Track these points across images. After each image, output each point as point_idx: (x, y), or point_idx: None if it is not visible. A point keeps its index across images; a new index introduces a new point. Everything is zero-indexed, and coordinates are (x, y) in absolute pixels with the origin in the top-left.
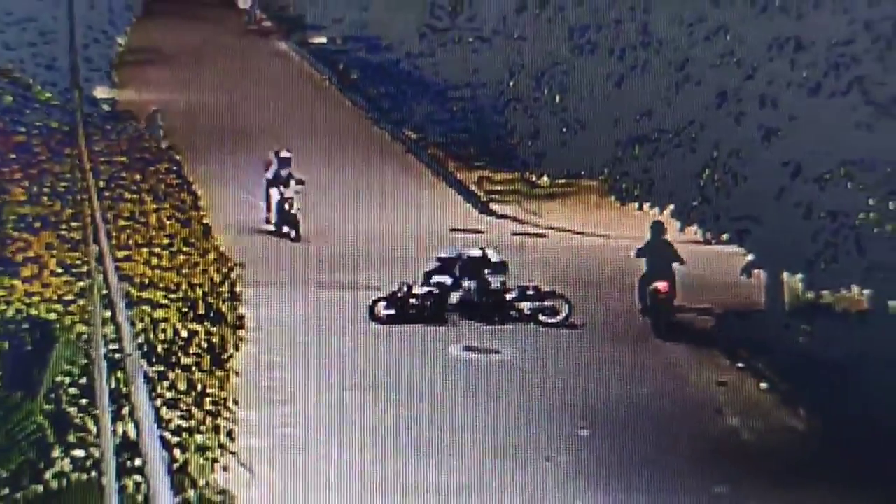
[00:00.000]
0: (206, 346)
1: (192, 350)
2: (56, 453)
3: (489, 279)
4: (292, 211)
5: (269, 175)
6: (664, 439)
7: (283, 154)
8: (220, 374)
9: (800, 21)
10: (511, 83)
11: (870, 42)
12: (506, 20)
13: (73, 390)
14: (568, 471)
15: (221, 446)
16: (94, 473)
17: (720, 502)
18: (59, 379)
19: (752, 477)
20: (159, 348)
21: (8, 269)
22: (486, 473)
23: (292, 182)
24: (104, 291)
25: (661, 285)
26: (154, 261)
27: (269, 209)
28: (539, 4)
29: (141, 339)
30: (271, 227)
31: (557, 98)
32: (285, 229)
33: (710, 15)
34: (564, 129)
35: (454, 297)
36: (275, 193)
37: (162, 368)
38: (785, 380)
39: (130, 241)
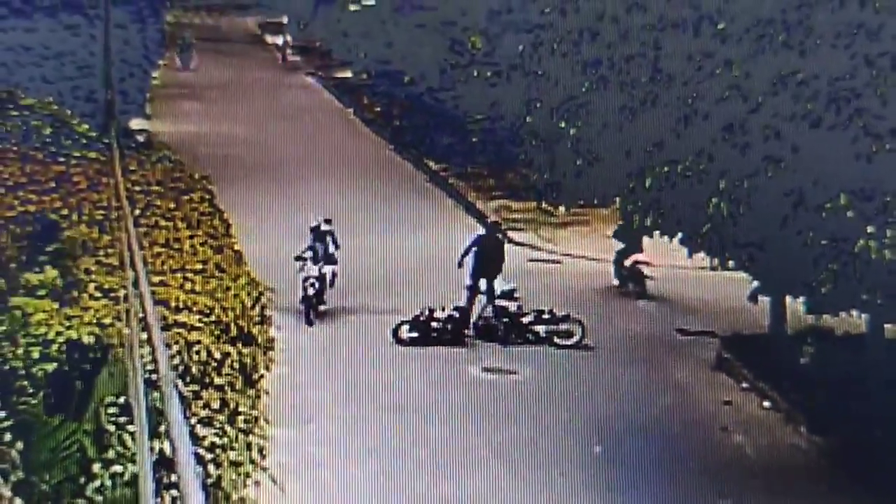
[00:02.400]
0: (238, 366)
1: (224, 371)
2: (96, 469)
3: (502, 303)
4: (308, 293)
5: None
6: (673, 455)
7: (324, 227)
8: (251, 393)
9: (802, 57)
10: (528, 117)
11: (869, 76)
12: (523, 56)
13: (112, 409)
14: (582, 486)
15: (253, 462)
16: (132, 488)
17: None
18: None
19: (755, 491)
20: (194, 369)
21: (51, 294)
22: (503, 489)
23: (322, 263)
24: (140, 315)
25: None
26: (188, 285)
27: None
28: (554, 41)
29: (176, 361)
30: (305, 300)
31: (572, 131)
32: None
33: (717, 51)
34: (578, 161)
35: (475, 318)
36: (309, 267)
37: (196, 388)
38: (787, 399)
39: (165, 267)
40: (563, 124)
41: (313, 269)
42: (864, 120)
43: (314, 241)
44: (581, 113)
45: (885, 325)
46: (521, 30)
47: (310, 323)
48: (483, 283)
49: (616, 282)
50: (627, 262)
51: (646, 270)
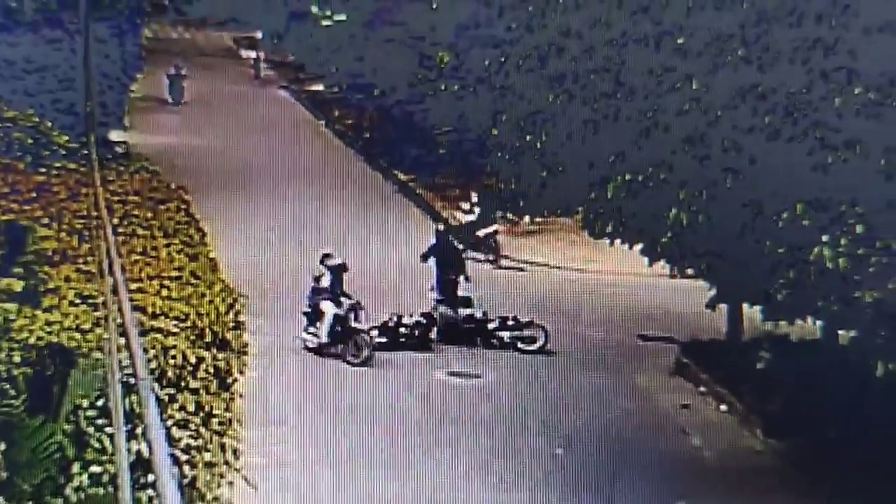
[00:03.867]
0: (212, 370)
1: (199, 374)
2: (75, 469)
3: (459, 311)
4: (352, 325)
5: (326, 285)
6: (632, 457)
7: (334, 261)
8: (225, 396)
9: (761, 71)
10: (494, 129)
11: (826, 90)
12: (489, 70)
13: (91, 412)
14: (544, 487)
15: (227, 463)
16: (110, 488)
17: None
18: (78, 401)
19: (712, 492)
20: (170, 373)
21: (30, 300)
22: (466, 490)
23: (344, 299)
24: (119, 320)
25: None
26: (164, 292)
27: (315, 322)
28: (521, 56)
29: (153, 365)
30: (314, 344)
31: (537, 143)
32: (337, 349)
33: (678, 66)
34: (543, 173)
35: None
36: (328, 307)
37: (172, 391)
38: (743, 403)
39: (143, 274)
40: (528, 137)
41: (340, 308)
42: (821, 132)
43: (333, 276)
44: (546, 126)
45: (839, 331)
46: (487, 45)
47: (365, 362)
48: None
49: (461, 246)
50: (481, 233)
51: (497, 239)
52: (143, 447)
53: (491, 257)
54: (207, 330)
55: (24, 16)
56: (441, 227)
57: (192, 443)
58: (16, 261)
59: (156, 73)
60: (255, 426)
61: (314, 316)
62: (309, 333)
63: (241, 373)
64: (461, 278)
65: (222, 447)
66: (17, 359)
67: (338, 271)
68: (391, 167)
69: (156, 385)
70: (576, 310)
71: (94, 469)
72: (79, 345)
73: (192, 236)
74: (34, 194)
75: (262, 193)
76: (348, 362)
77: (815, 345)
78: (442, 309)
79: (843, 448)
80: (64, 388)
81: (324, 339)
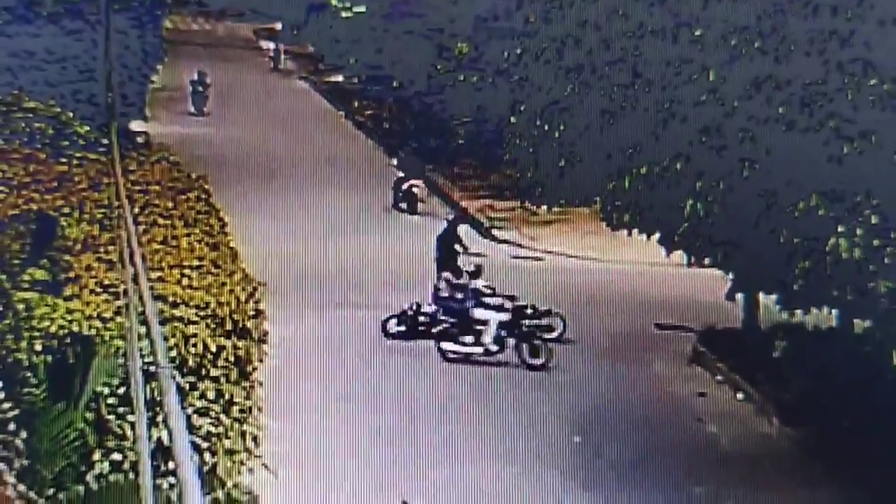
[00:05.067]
0: (233, 359)
1: (220, 363)
2: (96, 457)
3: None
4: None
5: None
6: (649, 445)
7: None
8: (245, 384)
9: (777, 62)
10: (512, 119)
11: (841, 81)
12: (508, 62)
13: (112, 400)
14: (562, 474)
15: (247, 451)
16: (131, 475)
17: (699, 502)
18: (99, 389)
19: (728, 479)
20: (190, 361)
21: (51, 289)
22: (485, 476)
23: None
24: (139, 309)
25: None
26: (185, 281)
27: (467, 331)
28: (539, 47)
29: (173, 353)
30: (468, 353)
31: (555, 134)
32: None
33: (695, 57)
34: (561, 163)
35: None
36: (490, 314)
37: (193, 379)
38: (760, 391)
39: (163, 263)
40: (546, 127)
41: (496, 315)
42: (836, 123)
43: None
44: (563, 116)
45: (854, 321)
46: (506, 36)
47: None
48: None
49: (396, 204)
50: (405, 186)
51: (417, 192)
52: (164, 435)
53: (407, 207)
54: (228, 318)
55: (44, 7)
56: (451, 217)
57: (213, 430)
58: (44, 252)
59: (176, 65)
60: (276, 414)
61: (462, 323)
62: (461, 344)
63: (261, 361)
64: (444, 275)
65: (242, 435)
66: (38, 347)
67: (478, 273)
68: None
69: (176, 373)
70: (593, 299)
71: (115, 456)
72: (100, 333)
73: (212, 226)
74: (56, 184)
75: (281, 183)
76: (528, 367)
77: (830, 334)
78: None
79: (858, 437)
80: (85, 376)
81: (492, 348)
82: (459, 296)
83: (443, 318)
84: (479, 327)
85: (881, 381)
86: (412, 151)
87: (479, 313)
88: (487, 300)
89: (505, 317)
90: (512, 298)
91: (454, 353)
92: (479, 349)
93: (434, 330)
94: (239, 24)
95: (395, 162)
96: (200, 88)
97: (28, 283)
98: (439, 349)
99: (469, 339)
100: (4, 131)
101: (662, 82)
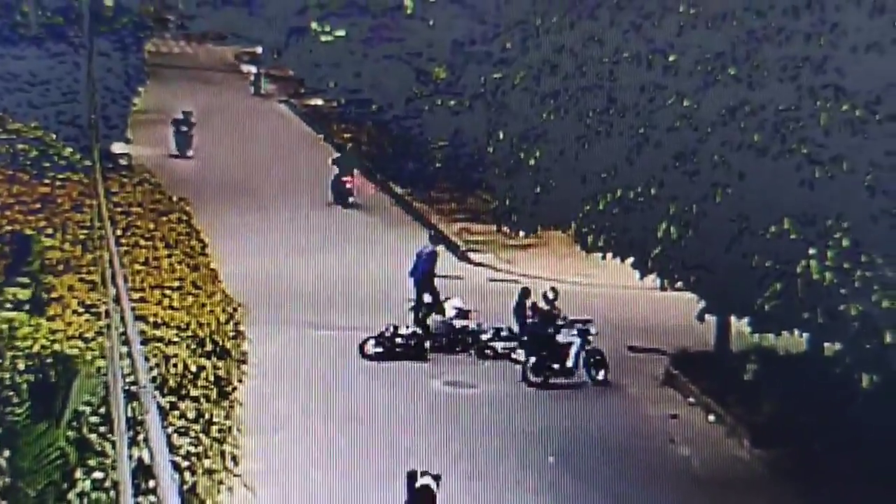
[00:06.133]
0: (213, 379)
1: (200, 383)
2: (78, 475)
3: (455, 322)
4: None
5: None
6: (622, 466)
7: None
8: (225, 404)
9: (750, 89)
10: (489, 144)
11: (813, 107)
12: (485, 87)
13: (93, 419)
14: (536, 494)
15: (226, 469)
16: (112, 493)
17: None
18: (81, 408)
19: (700, 501)
20: (171, 381)
21: (34, 309)
22: (461, 497)
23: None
24: (121, 329)
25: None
26: (166, 302)
27: (553, 357)
28: (515, 73)
29: (154, 373)
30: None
31: (531, 160)
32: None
33: (669, 83)
34: (537, 189)
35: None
36: (571, 337)
37: (173, 399)
38: (731, 414)
39: (144, 284)
40: (521, 154)
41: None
42: (808, 148)
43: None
44: (539, 142)
45: (825, 344)
46: (483, 62)
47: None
48: (426, 297)
49: (331, 198)
50: (343, 180)
51: (348, 187)
52: (145, 454)
53: (338, 200)
54: (208, 339)
55: (29, 30)
56: (429, 243)
57: (193, 449)
58: (21, 271)
59: (158, 89)
60: (255, 433)
61: (551, 349)
62: (551, 371)
63: (241, 381)
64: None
65: (222, 454)
66: (21, 366)
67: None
68: (388, 181)
69: (157, 393)
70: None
71: (97, 475)
72: (82, 353)
73: (192, 247)
74: (38, 205)
75: (261, 204)
76: (596, 383)
77: (801, 357)
78: (437, 319)
79: (829, 458)
80: (67, 395)
81: (579, 371)
82: (534, 320)
83: (437, 334)
84: (564, 350)
85: (852, 404)
86: (350, 151)
87: (562, 338)
88: (563, 325)
89: (580, 340)
90: (585, 322)
91: (535, 380)
92: (571, 376)
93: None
94: (221, 48)
95: (331, 159)
96: (184, 128)
97: (10, 303)
98: (528, 381)
99: (555, 365)
100: None
101: (637, 108)
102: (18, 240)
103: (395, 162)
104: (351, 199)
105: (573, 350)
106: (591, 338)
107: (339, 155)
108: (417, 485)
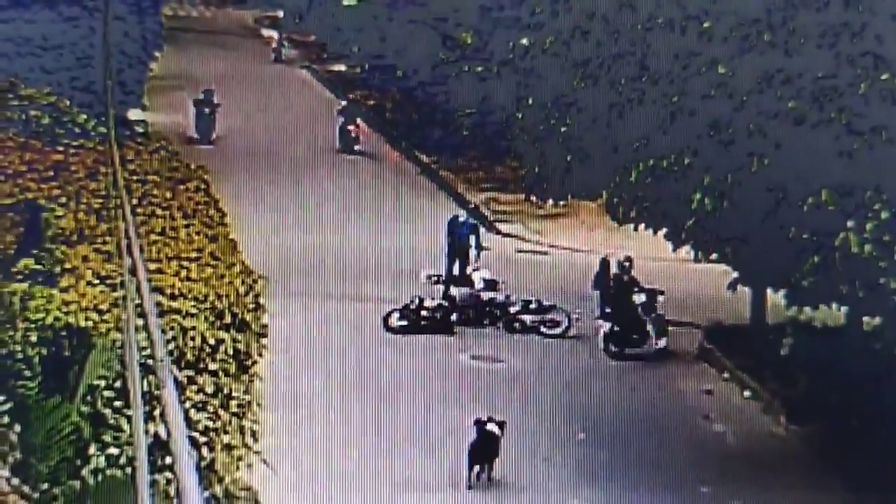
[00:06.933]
0: (231, 352)
1: (218, 356)
2: (92, 451)
3: (482, 294)
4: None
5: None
6: (655, 442)
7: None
8: (244, 378)
9: (787, 56)
10: (518, 112)
11: (852, 75)
12: (513, 53)
13: (108, 393)
14: (565, 470)
15: (246, 445)
16: (127, 470)
17: (706, 501)
18: (95, 382)
19: (734, 477)
20: (188, 354)
21: (47, 280)
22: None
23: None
24: (137, 301)
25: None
26: (183, 273)
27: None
28: (545, 39)
29: (171, 346)
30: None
31: (562, 127)
32: None
33: (704, 50)
34: (568, 157)
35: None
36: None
37: (191, 373)
38: (767, 389)
39: (161, 255)
40: (552, 121)
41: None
42: (846, 118)
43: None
44: (570, 110)
45: (863, 318)
46: (511, 27)
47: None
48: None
49: (339, 145)
50: (348, 128)
51: (354, 134)
52: (161, 429)
53: (344, 147)
54: (227, 311)
55: None
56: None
57: (211, 425)
58: (33, 242)
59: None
60: (275, 408)
61: (631, 319)
62: (630, 341)
63: (261, 355)
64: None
65: (241, 430)
66: (33, 339)
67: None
68: (413, 149)
69: (174, 366)
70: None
71: (112, 451)
72: (96, 325)
73: (211, 217)
74: (52, 173)
75: (281, 173)
76: (659, 351)
77: (839, 331)
78: (464, 291)
79: (866, 435)
80: (81, 369)
81: (661, 343)
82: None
83: (464, 306)
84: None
85: (890, 379)
86: (352, 101)
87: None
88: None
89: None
90: (655, 292)
91: (616, 350)
92: (645, 344)
93: (453, 319)
94: (240, 11)
95: (336, 109)
96: (206, 110)
97: (22, 274)
98: (609, 351)
99: (634, 334)
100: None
101: (670, 75)
102: (30, 209)
103: (421, 130)
104: (357, 147)
105: (648, 318)
106: (657, 305)
107: (343, 104)
108: (486, 429)
